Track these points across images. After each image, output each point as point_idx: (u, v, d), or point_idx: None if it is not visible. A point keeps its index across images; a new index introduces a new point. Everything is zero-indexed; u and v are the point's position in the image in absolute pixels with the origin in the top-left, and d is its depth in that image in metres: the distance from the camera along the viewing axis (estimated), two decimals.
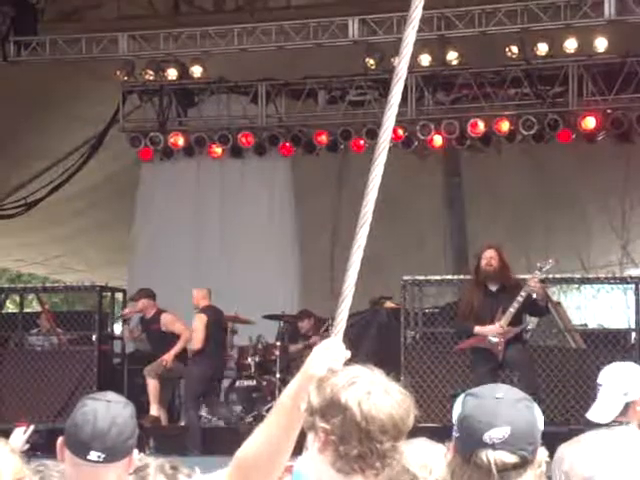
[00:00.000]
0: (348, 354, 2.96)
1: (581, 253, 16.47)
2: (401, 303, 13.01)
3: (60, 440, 3.19)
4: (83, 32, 14.72)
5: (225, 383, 13.22)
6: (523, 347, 11.33)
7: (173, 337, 13.13)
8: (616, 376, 4.88)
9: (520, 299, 10.67)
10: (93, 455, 3.10)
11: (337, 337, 3.07)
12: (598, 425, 4.90)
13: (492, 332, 10.81)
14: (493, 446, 2.66)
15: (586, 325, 14.77)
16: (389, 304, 14.40)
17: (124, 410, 3.20)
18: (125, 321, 13.21)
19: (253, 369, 13.06)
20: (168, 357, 12.93)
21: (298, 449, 2.98)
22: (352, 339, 12.24)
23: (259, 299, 14.61)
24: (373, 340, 13.39)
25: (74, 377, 13.31)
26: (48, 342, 14.14)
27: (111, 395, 3.25)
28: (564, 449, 4.61)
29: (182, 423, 13.36)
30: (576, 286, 16.65)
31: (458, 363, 12.43)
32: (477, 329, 10.89)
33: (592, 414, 4.88)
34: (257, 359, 13.12)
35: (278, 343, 13.32)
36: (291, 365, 13.25)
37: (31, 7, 14.53)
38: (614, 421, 4.80)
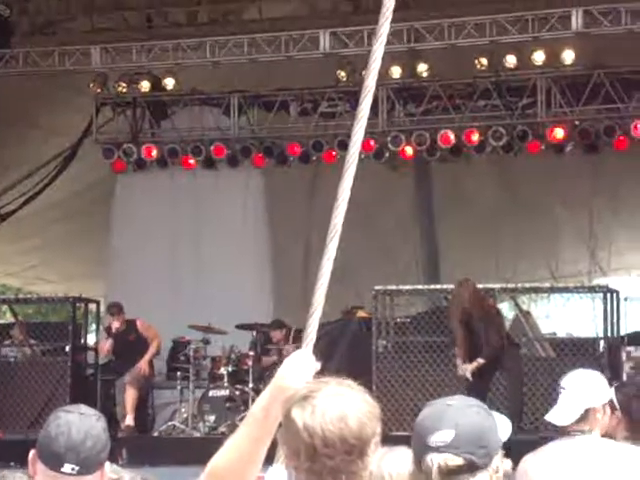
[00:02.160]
0: (318, 366, 3.01)
1: (550, 262, 16.63)
2: (372, 313, 13.11)
3: (32, 453, 3.17)
4: (56, 45, 14.76)
5: (198, 393, 13.26)
6: (516, 365, 11.63)
7: (145, 346, 13.18)
8: (579, 381, 4.88)
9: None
10: (67, 467, 3.09)
11: (307, 349, 3.13)
12: (564, 433, 4.94)
13: (459, 367, 11.61)
14: (437, 449, 2.66)
15: (555, 334, 14.92)
16: (361, 314, 14.51)
17: (97, 423, 3.22)
18: (110, 335, 13.30)
19: (226, 379, 13.11)
20: (144, 364, 12.99)
21: (269, 460, 3.05)
22: (324, 349, 12.36)
23: (233, 309, 14.67)
24: (345, 349, 13.48)
25: (47, 388, 13.33)
26: (21, 353, 14.15)
27: (84, 408, 3.25)
28: (526, 460, 4.56)
29: (155, 434, 13.40)
30: (545, 295, 16.77)
31: (429, 372, 12.56)
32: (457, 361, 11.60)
33: (552, 416, 4.85)
34: (230, 369, 13.17)
35: (251, 353, 13.38)
36: (264, 375, 13.33)
37: (4, 20, 14.55)
38: (576, 430, 4.82)
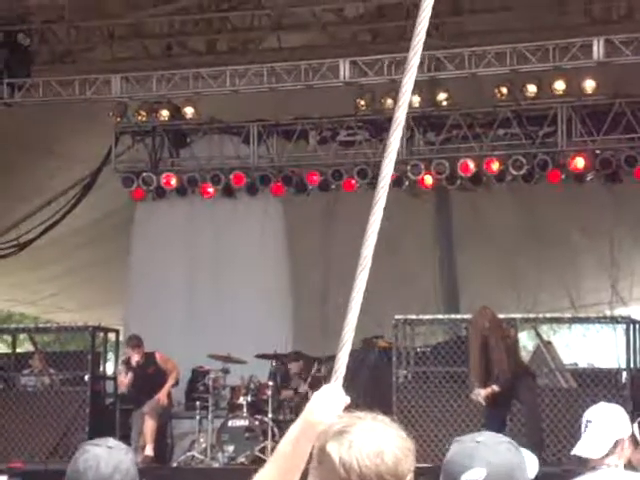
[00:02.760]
0: (348, 400, 2.99)
1: (570, 291, 16.54)
2: (393, 342, 13.04)
3: None
4: (76, 74, 14.81)
5: (217, 423, 13.20)
6: (532, 386, 11.55)
7: (164, 378, 13.14)
8: (606, 414, 4.90)
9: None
10: None
11: (337, 383, 3.10)
12: (587, 466, 4.91)
13: (473, 396, 11.61)
14: None
15: (576, 364, 14.82)
16: (381, 343, 14.44)
17: (126, 456, 3.20)
18: (130, 368, 13.26)
19: (245, 409, 13.05)
20: (163, 396, 12.98)
21: None
22: (344, 379, 12.27)
23: (252, 338, 14.64)
24: (365, 379, 13.41)
25: (66, 417, 13.30)
26: (40, 382, 14.12)
27: (112, 441, 3.25)
28: None
29: (174, 464, 13.33)
30: (566, 325, 16.69)
31: (450, 402, 12.47)
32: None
33: (581, 450, 4.86)
34: (249, 399, 13.12)
35: (270, 383, 13.32)
36: (283, 405, 13.28)
37: (24, 49, 14.62)
38: (602, 463, 4.80)
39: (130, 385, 13.26)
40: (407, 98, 3.41)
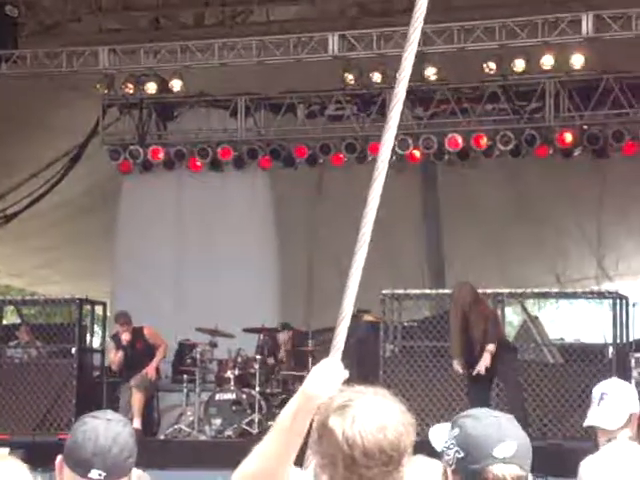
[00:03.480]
0: (347, 374, 3.00)
1: (557, 267, 16.59)
2: (380, 317, 13.07)
3: (59, 459, 3.17)
4: (63, 46, 14.74)
5: (204, 396, 13.22)
6: (512, 363, 11.61)
7: (153, 352, 13.15)
8: (621, 388, 5.03)
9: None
10: (94, 473, 3.08)
11: (335, 357, 3.11)
12: (582, 440, 5.01)
13: (455, 367, 11.77)
14: (503, 460, 2.70)
15: (563, 339, 14.88)
16: (367, 317, 14.47)
17: (124, 429, 3.21)
18: (119, 347, 13.24)
19: (233, 382, 13.07)
20: (151, 370, 12.99)
21: (298, 465, 3.02)
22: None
23: (239, 311, 14.63)
24: (352, 353, 13.44)
25: (53, 390, 13.30)
26: (27, 355, 14.11)
27: (110, 414, 3.25)
28: (583, 466, 4.72)
29: (161, 437, 13.36)
30: (553, 300, 16.74)
31: (437, 377, 12.52)
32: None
33: (598, 420, 4.91)
34: (237, 372, 13.13)
35: (258, 356, 13.34)
36: (270, 378, 13.31)
37: (11, 20, 14.52)
38: (611, 435, 4.89)
39: (122, 363, 13.26)
40: (407, 73, 3.42)
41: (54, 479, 3.26)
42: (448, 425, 2.93)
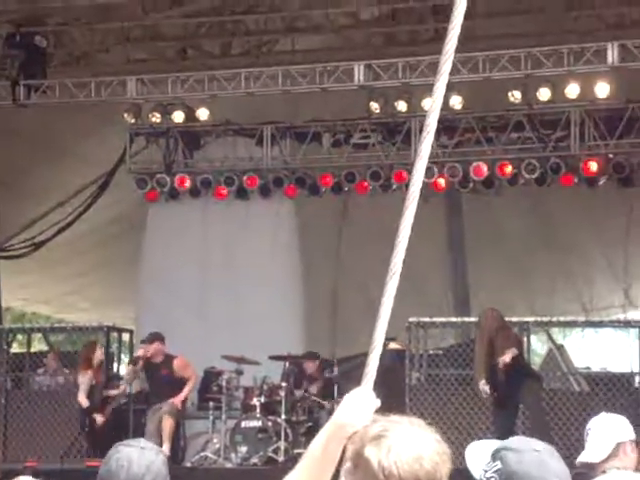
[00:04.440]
0: (378, 403, 3.02)
1: (582, 296, 16.55)
2: (406, 345, 13.08)
3: None
4: (92, 76, 14.89)
5: (230, 424, 13.24)
6: (537, 391, 11.58)
7: (177, 383, 13.07)
8: (604, 421, 5.08)
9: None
10: None
11: (367, 386, 3.13)
12: (597, 470, 5.01)
13: (480, 388, 11.70)
14: None
15: (589, 368, 14.83)
16: (393, 345, 14.48)
17: (157, 457, 3.24)
18: (135, 363, 13.16)
19: (259, 410, 13.09)
20: (178, 401, 12.90)
21: None
22: (358, 380, 12.32)
23: (264, 339, 14.67)
24: (378, 381, 13.41)
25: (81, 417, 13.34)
26: (54, 382, 14.18)
27: (144, 442, 3.29)
28: None
29: (187, 464, 13.38)
30: (579, 329, 16.70)
31: (462, 405, 12.51)
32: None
33: (583, 456, 5.00)
34: (262, 400, 13.15)
35: (283, 384, 13.35)
36: (296, 406, 13.32)
37: (41, 51, 14.69)
38: (610, 466, 4.89)
39: (131, 379, 13.18)
40: (439, 104, 3.44)
41: None
42: (484, 444, 2.93)
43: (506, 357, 11.26)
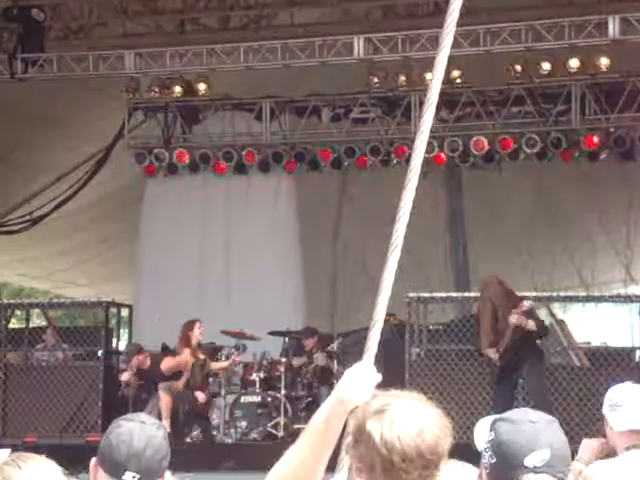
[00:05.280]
0: (379, 378, 2.99)
1: (583, 271, 16.52)
2: (406, 320, 13.05)
3: (93, 461, 3.19)
4: (89, 49, 14.80)
5: (230, 399, 13.23)
6: (539, 366, 11.52)
7: (174, 375, 12.95)
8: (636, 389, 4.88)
9: (509, 334, 11.03)
10: (128, 475, 3.10)
11: (368, 361, 3.10)
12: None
13: (491, 355, 11.47)
14: (534, 470, 2.69)
15: (589, 343, 14.82)
16: (393, 320, 14.45)
17: (158, 431, 3.22)
18: (127, 385, 13.12)
19: (258, 385, 13.09)
20: (178, 384, 12.80)
21: (329, 471, 3.01)
22: (358, 355, 12.30)
23: (263, 315, 14.66)
24: (377, 356, 13.40)
25: (80, 393, 13.34)
26: (53, 357, 14.16)
27: (144, 416, 3.27)
28: (594, 468, 4.58)
29: (187, 439, 13.38)
30: (580, 304, 16.67)
31: (462, 380, 12.49)
32: (485, 351, 11.46)
33: (628, 423, 4.80)
34: (262, 375, 13.15)
35: (283, 359, 13.35)
36: (296, 381, 13.31)
37: (38, 24, 14.58)
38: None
39: (130, 383, 13.18)
40: (440, 77, 3.41)
41: None
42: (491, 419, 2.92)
43: (512, 318, 11.14)
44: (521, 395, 11.79)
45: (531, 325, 11.32)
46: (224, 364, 13.16)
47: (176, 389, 12.86)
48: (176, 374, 12.98)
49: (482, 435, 2.93)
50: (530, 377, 11.43)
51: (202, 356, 13.02)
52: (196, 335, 12.94)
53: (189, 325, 13.02)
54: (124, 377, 13.07)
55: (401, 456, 2.66)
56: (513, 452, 2.72)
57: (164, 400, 12.67)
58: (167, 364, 12.95)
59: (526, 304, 11.37)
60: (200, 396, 12.80)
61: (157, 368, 12.94)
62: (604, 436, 4.87)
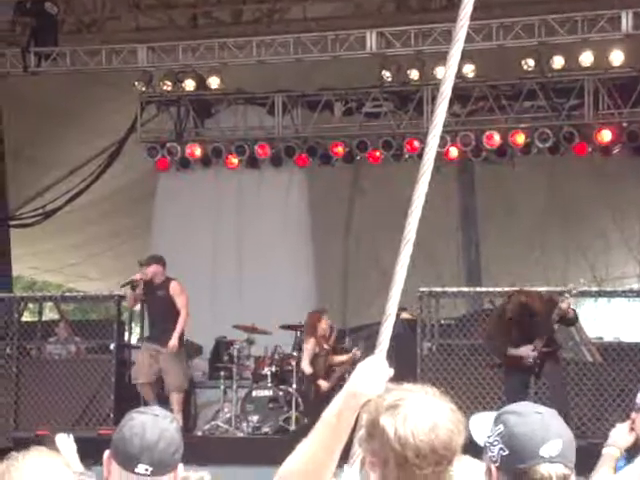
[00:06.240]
0: (391, 372, 2.99)
1: (595, 266, 16.48)
2: (417, 314, 13.04)
3: (107, 453, 3.22)
4: (101, 43, 14.83)
5: (241, 393, 13.25)
6: (557, 361, 11.46)
7: (172, 307, 12.59)
8: None
9: (555, 325, 11.02)
10: (141, 468, 3.12)
11: (380, 355, 3.11)
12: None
13: (524, 353, 11.20)
14: (550, 460, 2.70)
15: (602, 338, 14.79)
16: (404, 315, 14.44)
17: (171, 424, 3.23)
18: (134, 287, 12.67)
19: (270, 379, 13.09)
20: (174, 343, 12.45)
21: (340, 464, 3.02)
22: (369, 350, 12.30)
23: (275, 310, 14.66)
24: (389, 351, 13.38)
25: (92, 386, 13.36)
26: (66, 350, 14.20)
27: (158, 409, 3.29)
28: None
29: (198, 433, 13.40)
30: (592, 299, 16.63)
31: (474, 375, 12.48)
32: (511, 351, 11.18)
33: None
34: (274, 369, 13.15)
35: (295, 353, 13.35)
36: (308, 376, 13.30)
37: (51, 18, 14.60)
38: None
39: (134, 304, 12.91)
40: (453, 71, 3.41)
41: (100, 474, 3.28)
42: (488, 415, 2.92)
43: (564, 303, 11.07)
44: (533, 390, 11.76)
45: (572, 313, 11.25)
46: (343, 358, 13.10)
47: (182, 378, 12.67)
48: (172, 305, 12.59)
49: (482, 430, 2.92)
50: (550, 370, 11.34)
51: (326, 347, 13.05)
52: (322, 326, 12.99)
53: (315, 316, 13.12)
54: (137, 276, 12.70)
55: (415, 452, 2.66)
56: (528, 443, 2.72)
57: (175, 398, 12.60)
58: (178, 284, 12.71)
59: (578, 287, 11.27)
60: (323, 384, 12.84)
61: (163, 286, 12.66)
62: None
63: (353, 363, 12.50)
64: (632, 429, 4.90)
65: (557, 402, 10.83)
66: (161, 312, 12.71)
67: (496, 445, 2.79)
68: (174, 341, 12.45)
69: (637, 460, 4.70)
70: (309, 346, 12.88)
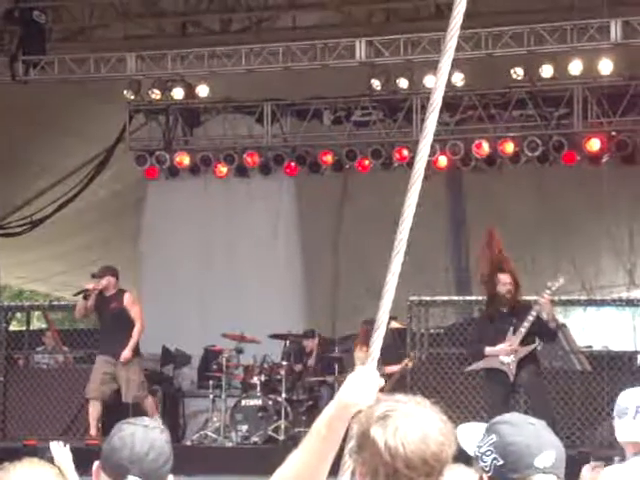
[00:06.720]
0: (382, 382, 2.98)
1: (585, 275, 16.48)
2: (407, 323, 13.02)
3: (96, 464, 3.21)
4: (90, 51, 14.79)
5: (230, 402, 13.21)
6: (536, 371, 11.33)
7: (126, 320, 12.49)
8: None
9: (531, 318, 10.85)
10: (131, 479, 3.12)
11: (371, 365, 3.09)
12: (610, 448, 4.90)
13: (503, 352, 11.01)
14: (543, 470, 2.71)
15: (591, 347, 14.80)
16: (394, 324, 14.42)
17: (161, 435, 3.23)
18: (86, 297, 12.61)
19: (259, 388, 13.06)
20: (126, 356, 12.34)
21: (332, 474, 3.00)
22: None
23: (264, 318, 14.64)
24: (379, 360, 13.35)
25: (80, 395, 13.28)
26: (53, 360, 14.14)
27: (147, 420, 3.28)
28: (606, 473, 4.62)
29: (187, 443, 13.35)
30: (581, 307, 16.64)
31: (464, 384, 12.46)
32: (488, 349, 11.03)
33: (633, 435, 4.77)
34: (263, 378, 13.13)
35: (284, 362, 13.33)
36: (297, 385, 13.28)
37: (39, 26, 14.56)
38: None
39: (82, 313, 12.75)
40: (444, 81, 3.40)
41: None
42: (477, 426, 2.90)
43: (542, 300, 10.90)
44: (514, 399, 11.68)
45: (553, 317, 11.14)
46: (394, 368, 12.90)
47: (139, 386, 12.51)
48: (126, 317, 12.46)
49: (470, 440, 2.91)
50: (529, 382, 11.22)
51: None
52: None
53: (370, 325, 12.91)
54: (89, 285, 12.56)
55: (405, 463, 2.64)
56: (523, 453, 2.73)
57: (147, 403, 12.50)
58: (130, 296, 12.58)
59: (557, 284, 11.13)
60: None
61: (115, 299, 12.51)
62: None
63: (403, 374, 12.41)
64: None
65: (540, 414, 10.78)
66: (114, 324, 12.57)
67: (489, 455, 2.78)
68: (127, 352, 12.32)
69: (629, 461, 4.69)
70: (360, 354, 12.62)
